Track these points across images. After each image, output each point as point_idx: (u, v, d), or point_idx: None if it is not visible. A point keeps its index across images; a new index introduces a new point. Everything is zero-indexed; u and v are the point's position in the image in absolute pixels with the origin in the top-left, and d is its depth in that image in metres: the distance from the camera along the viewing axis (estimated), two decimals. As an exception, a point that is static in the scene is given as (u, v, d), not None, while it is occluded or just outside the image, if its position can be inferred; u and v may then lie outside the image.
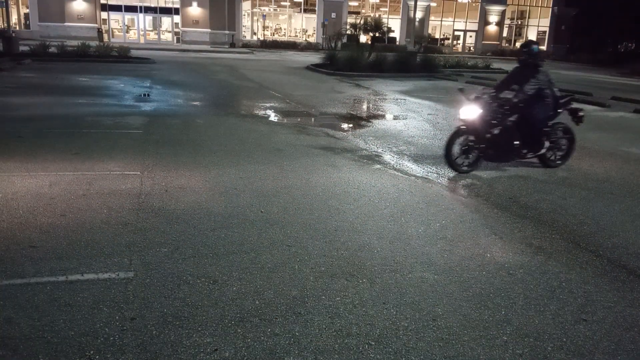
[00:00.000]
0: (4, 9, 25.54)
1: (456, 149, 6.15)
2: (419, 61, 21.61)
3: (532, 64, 6.33)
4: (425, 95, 14.53)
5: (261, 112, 10.36)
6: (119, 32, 39.15)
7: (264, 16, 41.73)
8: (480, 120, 6.07)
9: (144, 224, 4.19)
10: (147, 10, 38.90)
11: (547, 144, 6.53)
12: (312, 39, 42.94)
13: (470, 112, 6.09)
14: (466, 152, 6.20)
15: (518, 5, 48.20)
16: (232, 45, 38.36)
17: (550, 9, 47.82)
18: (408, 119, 10.42)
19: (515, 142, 6.26)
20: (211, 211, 4.56)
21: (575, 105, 6.77)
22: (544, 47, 47.35)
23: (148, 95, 11.87)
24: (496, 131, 6.15)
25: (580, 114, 6.68)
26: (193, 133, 7.88)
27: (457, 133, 6.15)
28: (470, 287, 3.44)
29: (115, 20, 39.18)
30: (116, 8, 37.98)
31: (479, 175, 6.28)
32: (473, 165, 6.29)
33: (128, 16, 38.93)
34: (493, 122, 6.13)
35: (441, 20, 46.35)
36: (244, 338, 2.75)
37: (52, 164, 5.83)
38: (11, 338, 2.66)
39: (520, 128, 6.27)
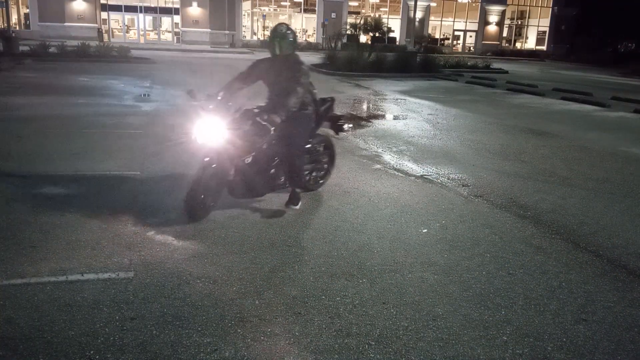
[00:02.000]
0: (4, 9, 25.54)
1: (202, 189, 4.18)
2: (419, 61, 21.63)
3: (292, 60, 4.51)
4: (425, 95, 14.53)
5: (261, 112, 10.34)
6: (119, 32, 39.16)
7: (264, 16, 41.73)
8: (228, 144, 4.16)
9: (144, 223, 4.19)
10: (147, 10, 38.91)
11: (307, 166, 4.94)
12: (312, 39, 42.93)
13: (213, 132, 4.14)
14: (216, 189, 4.36)
15: (518, 5, 48.21)
16: (232, 45, 38.36)
17: (550, 9, 47.84)
18: (408, 119, 10.42)
19: (272, 171, 4.54)
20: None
21: (336, 112, 5.29)
22: (544, 48, 47.48)
23: (148, 95, 11.88)
24: (249, 159, 4.32)
25: (341, 122, 5.21)
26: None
27: (205, 169, 4.19)
28: (470, 287, 3.44)
29: (115, 20, 39.19)
30: (116, 8, 37.98)
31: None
32: (216, 202, 4.44)
33: (128, 16, 38.93)
34: (245, 145, 4.25)
35: (441, 20, 46.36)
36: (244, 338, 2.75)
37: (52, 163, 5.83)
38: (11, 338, 2.66)
39: (278, 151, 4.52)
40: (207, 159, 4.20)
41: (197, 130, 4.22)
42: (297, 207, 4.61)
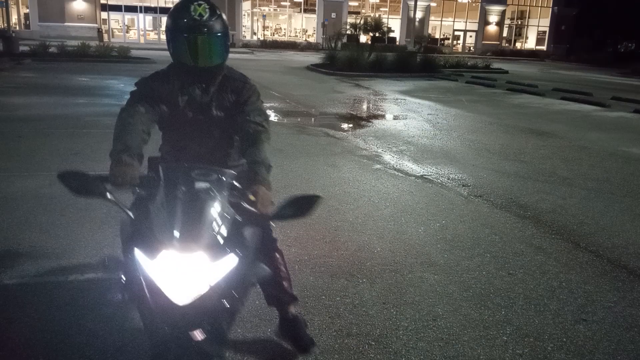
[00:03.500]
0: (4, 9, 25.53)
1: None
2: (419, 61, 21.65)
3: (228, 74, 2.39)
4: (425, 95, 14.54)
5: (261, 112, 10.34)
6: (119, 32, 39.16)
7: (264, 16, 41.74)
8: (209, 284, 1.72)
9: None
10: (147, 10, 38.91)
11: None
12: (312, 39, 42.94)
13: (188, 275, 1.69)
14: None
15: (518, 5, 48.22)
16: (232, 45, 38.32)
17: (550, 9, 47.85)
18: (408, 119, 10.42)
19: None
20: (211, 211, 4.54)
21: None
22: (544, 48, 47.52)
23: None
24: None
25: None
26: (193, 133, 7.86)
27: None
28: (470, 287, 3.44)
29: (115, 20, 39.20)
30: (116, 8, 37.99)
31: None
32: None
33: (128, 16, 38.94)
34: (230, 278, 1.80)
35: (441, 20, 46.35)
36: (244, 338, 2.75)
37: (52, 164, 5.83)
38: (11, 338, 2.66)
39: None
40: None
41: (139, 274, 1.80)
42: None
